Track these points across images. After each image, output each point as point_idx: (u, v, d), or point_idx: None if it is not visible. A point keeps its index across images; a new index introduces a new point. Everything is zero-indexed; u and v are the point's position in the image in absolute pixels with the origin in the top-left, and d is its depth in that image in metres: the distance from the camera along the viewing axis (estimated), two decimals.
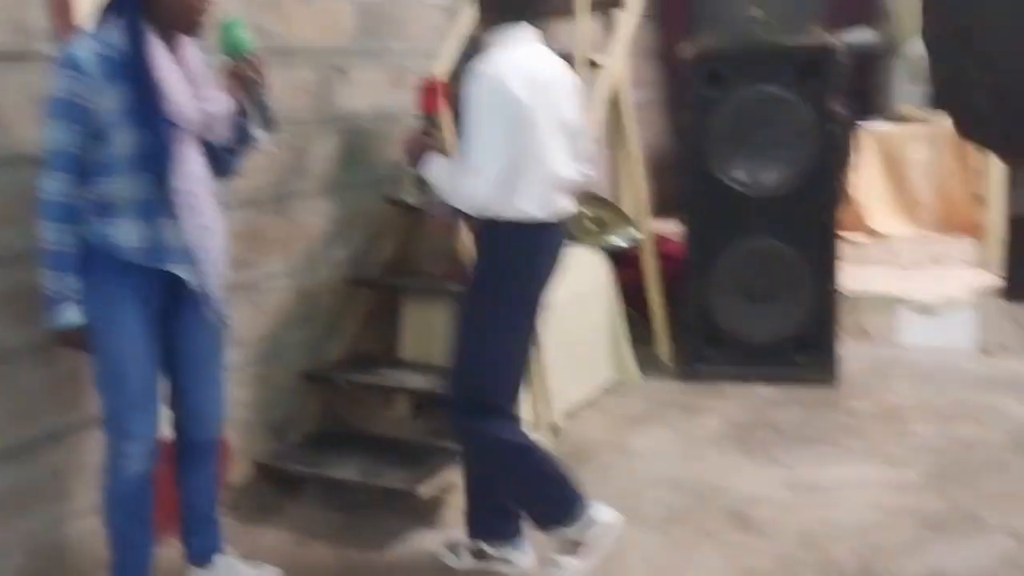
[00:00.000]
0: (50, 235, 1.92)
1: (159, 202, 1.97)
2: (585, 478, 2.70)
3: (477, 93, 2.08)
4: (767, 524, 2.53)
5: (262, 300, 2.96)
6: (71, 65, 1.88)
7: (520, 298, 2.22)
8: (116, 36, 1.91)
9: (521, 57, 2.14)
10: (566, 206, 2.24)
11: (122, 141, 1.92)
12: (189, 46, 2.04)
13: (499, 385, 2.24)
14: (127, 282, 1.98)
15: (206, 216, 2.06)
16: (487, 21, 2.22)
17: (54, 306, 1.93)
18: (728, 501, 2.66)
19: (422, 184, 2.90)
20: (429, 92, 2.46)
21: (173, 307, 2.08)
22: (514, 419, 2.29)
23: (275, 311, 2.99)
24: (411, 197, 3.02)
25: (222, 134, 2.10)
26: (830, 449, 3.02)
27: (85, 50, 1.89)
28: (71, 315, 1.93)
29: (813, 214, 3.41)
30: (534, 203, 2.13)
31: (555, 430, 3.14)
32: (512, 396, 2.28)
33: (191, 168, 2.03)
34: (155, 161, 1.94)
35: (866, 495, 2.68)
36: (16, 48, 2.16)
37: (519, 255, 2.17)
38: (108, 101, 1.89)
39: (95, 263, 1.96)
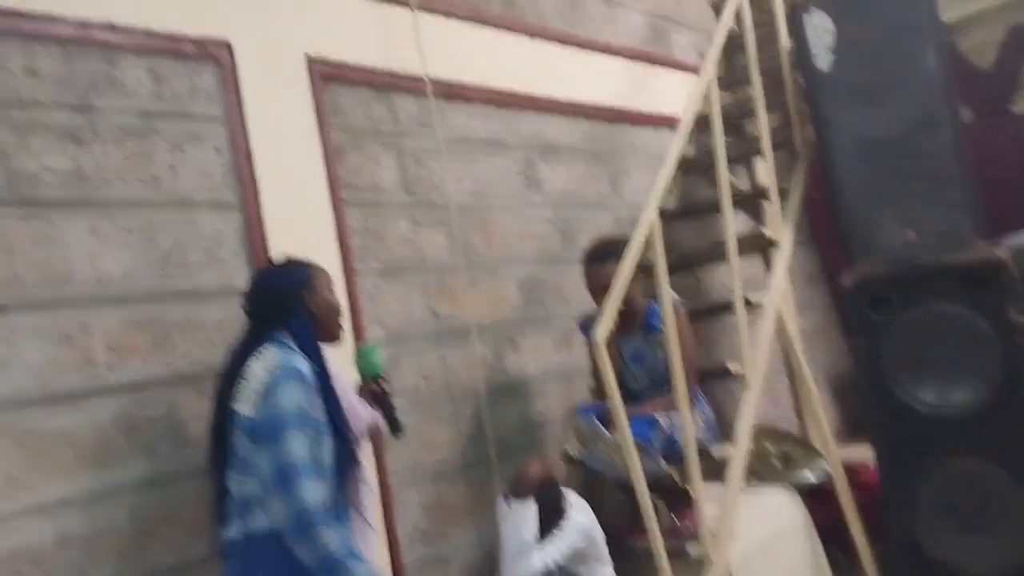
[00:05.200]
0: (333, 541, 1.92)
1: (345, 506, 2.12)
2: None
3: None
4: None
5: (453, 572, 3.03)
6: (299, 377, 2.01)
7: None
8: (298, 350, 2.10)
9: None
10: None
11: (326, 449, 2.04)
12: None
13: None
14: None
15: (372, 516, 2.26)
16: None
17: None
18: None
19: (585, 438, 2.99)
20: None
21: None
22: None
23: None
24: (574, 450, 3.08)
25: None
26: None
27: (303, 364, 2.05)
28: None
29: (1016, 429, 3.18)
30: None
31: None
32: None
33: (366, 472, 2.24)
34: (348, 467, 2.11)
35: None
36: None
37: None
38: (318, 412, 2.05)
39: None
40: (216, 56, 2.65)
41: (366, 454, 2.32)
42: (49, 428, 2.16)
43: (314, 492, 1.93)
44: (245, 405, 2.03)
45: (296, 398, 1.99)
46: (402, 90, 3.19)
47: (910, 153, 3.37)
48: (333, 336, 2.26)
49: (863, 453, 3.96)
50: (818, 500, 3.67)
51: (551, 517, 2.69)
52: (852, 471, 3.77)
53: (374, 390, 2.40)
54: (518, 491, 2.72)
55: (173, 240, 2.46)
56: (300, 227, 2.70)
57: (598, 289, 3.02)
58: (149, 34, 2.52)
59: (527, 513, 2.67)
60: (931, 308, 3.29)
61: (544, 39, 3.85)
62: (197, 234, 2.52)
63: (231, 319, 2.52)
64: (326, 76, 2.93)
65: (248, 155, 2.64)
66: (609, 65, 4.25)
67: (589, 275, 3.18)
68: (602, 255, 3.14)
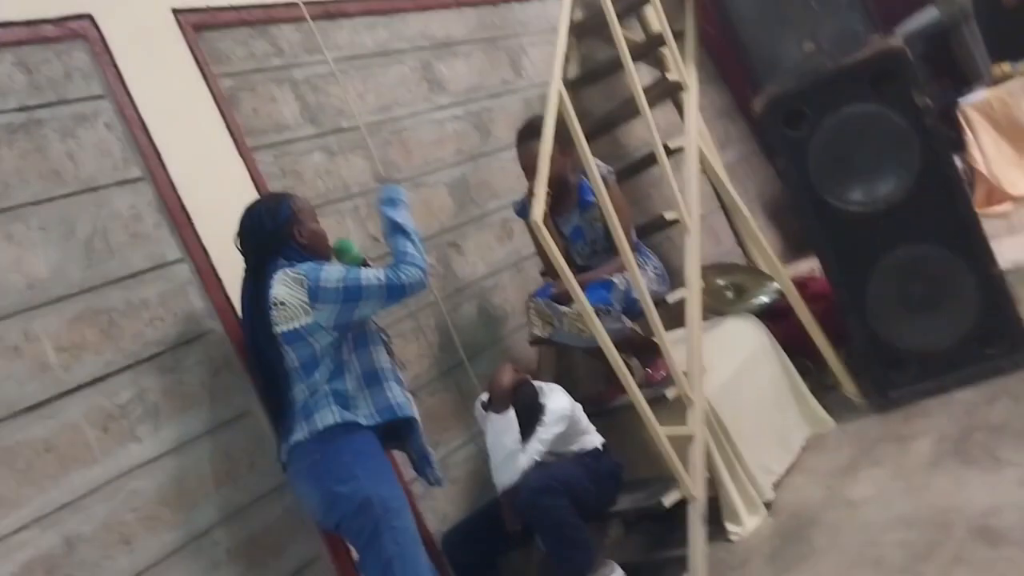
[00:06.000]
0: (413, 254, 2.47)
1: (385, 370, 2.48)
2: (816, 543, 2.65)
3: None
4: (1016, 531, 2.39)
5: (457, 475, 3.13)
6: (325, 265, 2.39)
7: None
8: None
9: None
10: None
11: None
12: None
13: None
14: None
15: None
16: None
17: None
18: (968, 520, 2.54)
19: (547, 317, 3.06)
20: None
21: None
22: None
23: (469, 480, 3.15)
24: (539, 331, 3.16)
25: None
26: None
27: None
28: None
29: (944, 207, 3.32)
30: None
31: (769, 506, 3.10)
32: None
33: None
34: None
35: None
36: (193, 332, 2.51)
37: None
38: None
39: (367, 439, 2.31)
40: (81, 32, 2.54)
41: None
42: (24, 441, 2.15)
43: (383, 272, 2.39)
44: (298, 320, 2.29)
45: (338, 269, 2.34)
46: (279, 21, 3.10)
47: None
48: (325, 259, 2.46)
49: (812, 266, 4.12)
50: (778, 319, 3.82)
51: (530, 416, 2.78)
52: (802, 284, 3.92)
53: None
54: (494, 405, 2.79)
55: (91, 227, 2.40)
56: (214, 183, 2.65)
57: (531, 168, 2.92)
58: (7, 25, 2.40)
59: (507, 422, 2.75)
60: (843, 112, 3.38)
61: None
62: (113, 215, 2.46)
63: (173, 290, 2.50)
64: (197, 25, 2.82)
65: (142, 124, 2.56)
66: None
67: (521, 154, 3.18)
68: (531, 133, 3.06)
